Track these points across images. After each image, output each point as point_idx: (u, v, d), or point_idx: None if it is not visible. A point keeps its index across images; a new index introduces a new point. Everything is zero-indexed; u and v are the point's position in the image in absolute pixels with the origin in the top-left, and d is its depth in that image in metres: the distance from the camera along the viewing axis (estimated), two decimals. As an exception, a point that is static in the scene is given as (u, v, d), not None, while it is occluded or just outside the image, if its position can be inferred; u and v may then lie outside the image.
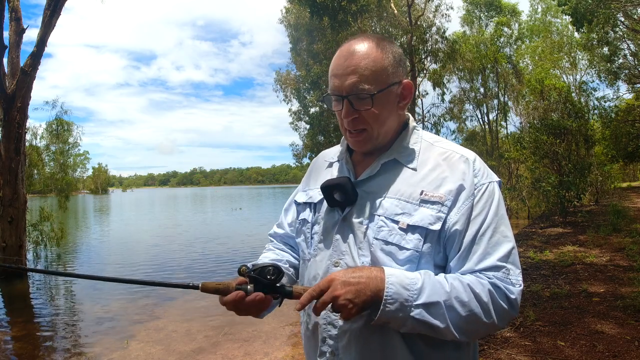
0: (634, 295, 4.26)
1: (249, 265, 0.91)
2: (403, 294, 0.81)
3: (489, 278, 0.86)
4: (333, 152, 1.15)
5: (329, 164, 1.13)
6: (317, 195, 1.07)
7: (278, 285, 0.88)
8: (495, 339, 3.53)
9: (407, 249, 0.89)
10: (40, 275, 8.75)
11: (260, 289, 0.86)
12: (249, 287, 0.87)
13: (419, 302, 0.81)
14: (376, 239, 0.92)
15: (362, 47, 0.95)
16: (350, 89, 0.94)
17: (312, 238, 1.05)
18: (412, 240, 0.89)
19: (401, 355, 0.89)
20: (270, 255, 1.17)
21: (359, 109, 0.95)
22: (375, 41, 0.97)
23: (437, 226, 0.89)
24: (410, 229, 0.90)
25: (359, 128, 0.97)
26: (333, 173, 1.08)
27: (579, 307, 4.16)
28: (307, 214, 1.09)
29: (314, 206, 1.08)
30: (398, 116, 1.01)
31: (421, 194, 0.92)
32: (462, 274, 0.88)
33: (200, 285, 0.87)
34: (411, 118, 1.08)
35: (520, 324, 3.82)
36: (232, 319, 5.36)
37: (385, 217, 0.93)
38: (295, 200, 1.18)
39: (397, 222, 0.91)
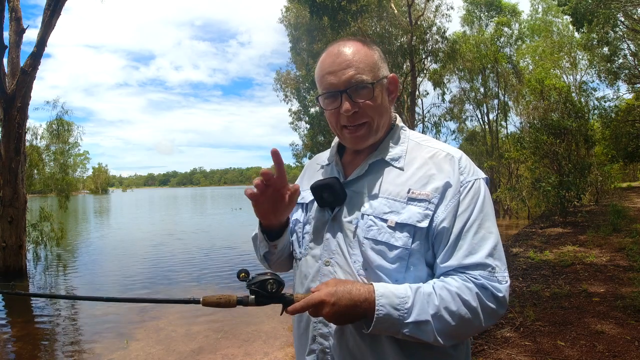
0: (634, 295, 4.26)
1: (252, 275, 0.91)
2: (393, 314, 0.83)
3: (475, 279, 0.87)
4: (325, 156, 1.17)
5: (320, 166, 1.15)
6: (308, 195, 1.09)
7: (279, 278, 0.90)
8: (495, 339, 3.53)
9: (397, 247, 0.91)
10: (40, 276, 8.76)
11: (261, 301, 0.89)
12: (250, 297, 0.89)
13: (408, 320, 0.84)
14: (366, 238, 0.94)
15: (350, 45, 0.99)
16: (348, 82, 0.95)
17: (303, 237, 1.07)
18: (401, 238, 0.91)
19: (392, 353, 0.91)
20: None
21: (358, 101, 0.96)
22: (360, 40, 1.01)
23: (424, 223, 0.91)
24: (399, 227, 0.91)
25: (360, 122, 0.98)
26: (324, 175, 1.10)
27: (579, 307, 4.16)
28: (299, 214, 1.11)
29: (305, 206, 1.10)
30: (389, 111, 1.04)
31: (408, 192, 0.94)
32: (448, 274, 0.89)
33: (201, 300, 0.88)
34: (398, 118, 1.09)
35: (520, 324, 3.82)
36: (232, 319, 5.36)
37: (374, 216, 0.94)
38: None
39: (385, 221, 0.93)
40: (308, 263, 1.03)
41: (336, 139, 1.14)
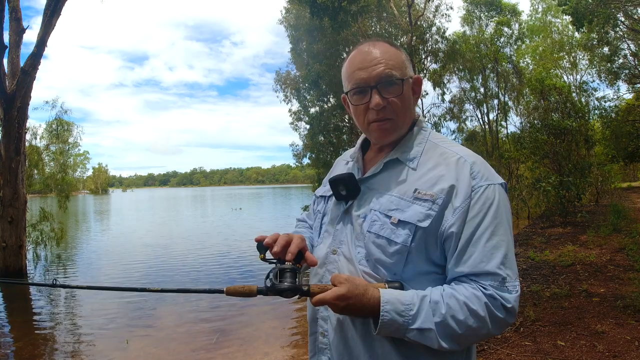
0: (634, 295, 4.26)
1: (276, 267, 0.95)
2: (398, 320, 0.86)
3: (485, 289, 0.88)
4: (351, 152, 1.22)
5: (346, 162, 1.21)
6: (329, 189, 1.14)
7: (296, 285, 0.93)
8: (495, 339, 3.53)
9: (396, 243, 0.93)
10: (40, 276, 8.76)
11: (280, 291, 0.92)
12: (268, 288, 0.93)
13: (413, 327, 0.86)
14: (369, 231, 0.98)
15: (380, 45, 1.03)
16: (378, 78, 0.99)
17: (321, 227, 1.14)
18: (402, 235, 0.93)
19: (381, 340, 0.93)
20: (306, 232, 1.25)
21: (388, 97, 0.99)
22: (387, 41, 1.07)
23: (425, 223, 0.92)
24: (401, 224, 0.94)
25: (387, 117, 1.01)
26: (347, 170, 1.15)
27: (579, 307, 4.16)
28: (321, 206, 1.19)
29: (326, 199, 1.17)
30: (413, 110, 1.07)
31: (415, 191, 0.96)
32: (458, 280, 0.91)
33: (224, 289, 0.94)
34: (421, 117, 1.12)
35: (520, 324, 3.82)
36: (232, 320, 5.37)
37: (379, 211, 0.98)
38: (315, 194, 1.28)
39: (389, 217, 0.96)
40: (320, 250, 1.09)
41: (361, 137, 1.18)
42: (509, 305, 0.87)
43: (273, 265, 0.95)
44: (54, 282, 1.06)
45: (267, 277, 0.93)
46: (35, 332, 5.27)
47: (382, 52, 1.00)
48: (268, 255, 0.98)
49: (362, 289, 0.88)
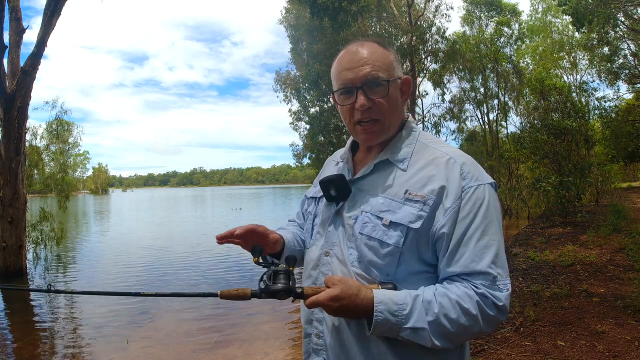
0: (634, 295, 4.26)
1: (268, 271, 0.96)
2: (391, 319, 0.86)
3: (476, 287, 0.89)
4: (341, 152, 1.22)
5: (336, 163, 1.20)
6: (320, 190, 1.14)
7: (289, 286, 0.93)
8: (495, 338, 3.53)
9: (389, 245, 0.93)
10: (40, 276, 8.76)
11: (273, 293, 0.92)
12: (262, 290, 0.93)
13: (406, 326, 0.87)
14: (361, 233, 0.98)
15: (367, 45, 1.03)
16: (364, 79, 0.99)
17: (312, 229, 1.14)
18: (394, 237, 0.93)
19: (377, 340, 0.93)
20: (292, 228, 1.29)
21: (373, 98, 0.99)
22: (377, 41, 1.06)
23: (417, 224, 0.92)
24: (393, 225, 0.94)
25: (372, 118, 1.01)
26: (337, 171, 1.15)
27: (579, 307, 4.16)
28: (312, 207, 1.18)
29: (317, 200, 1.17)
30: (401, 111, 1.06)
31: (405, 193, 0.96)
32: (450, 279, 0.91)
33: (218, 293, 0.94)
34: (410, 118, 1.11)
35: (520, 324, 3.82)
36: (232, 320, 5.37)
37: (371, 213, 0.98)
38: (306, 195, 1.28)
39: (381, 219, 0.96)
40: (312, 252, 1.09)
41: (351, 137, 1.17)
42: (500, 304, 0.88)
43: (267, 269, 0.95)
44: (50, 287, 1.06)
45: (261, 279, 0.93)
46: (35, 332, 5.27)
47: (370, 52, 1.00)
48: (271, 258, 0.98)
49: (355, 289, 0.88)
